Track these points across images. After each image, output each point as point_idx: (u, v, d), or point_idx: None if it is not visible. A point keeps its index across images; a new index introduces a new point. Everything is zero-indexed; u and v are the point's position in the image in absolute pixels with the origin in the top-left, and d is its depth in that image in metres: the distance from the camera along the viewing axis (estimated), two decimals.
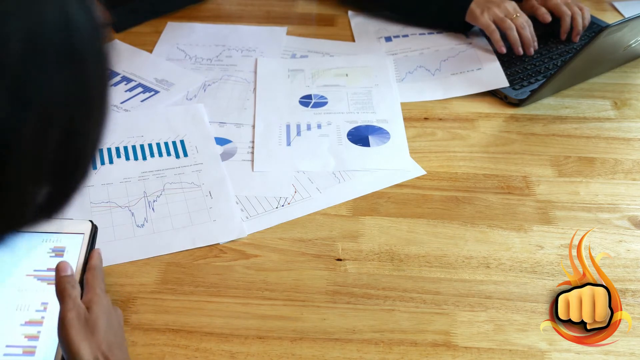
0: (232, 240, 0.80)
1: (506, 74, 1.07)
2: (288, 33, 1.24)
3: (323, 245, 0.80)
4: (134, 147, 0.93)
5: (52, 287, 0.63)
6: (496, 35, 1.11)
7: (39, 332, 0.63)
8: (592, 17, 1.24)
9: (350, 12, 1.28)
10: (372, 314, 0.72)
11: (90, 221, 0.70)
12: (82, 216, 0.81)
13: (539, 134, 0.98)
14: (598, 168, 0.92)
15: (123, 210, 0.84)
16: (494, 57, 1.12)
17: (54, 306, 0.64)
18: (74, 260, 0.67)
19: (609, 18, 1.25)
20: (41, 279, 0.66)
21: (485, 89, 1.06)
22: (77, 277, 0.66)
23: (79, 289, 0.61)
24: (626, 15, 1.24)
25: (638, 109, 1.04)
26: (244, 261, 0.78)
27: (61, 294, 0.59)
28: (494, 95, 1.06)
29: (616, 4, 1.31)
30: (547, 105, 1.04)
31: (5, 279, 0.66)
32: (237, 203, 0.85)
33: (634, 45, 1.04)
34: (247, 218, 0.83)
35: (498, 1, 1.13)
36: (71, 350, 0.55)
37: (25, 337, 0.63)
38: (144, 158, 0.92)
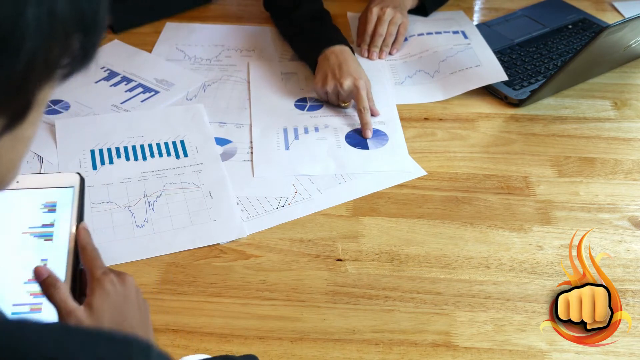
0: (232, 241, 0.80)
1: (506, 75, 1.07)
2: None
3: (323, 246, 0.80)
4: (134, 147, 0.93)
5: (50, 243, 0.64)
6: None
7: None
8: (592, 17, 1.24)
9: (349, 14, 1.27)
10: (372, 314, 0.72)
11: (78, 173, 0.69)
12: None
13: (539, 134, 0.98)
14: (598, 168, 0.92)
15: (123, 210, 0.84)
16: (491, 54, 1.11)
17: (54, 262, 0.63)
18: (67, 214, 0.67)
19: (609, 18, 1.25)
20: (37, 235, 0.65)
21: (484, 83, 1.05)
22: (72, 240, 0.65)
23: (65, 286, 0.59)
24: (626, 15, 1.24)
25: (638, 109, 1.04)
26: (244, 261, 0.78)
27: (52, 301, 0.58)
28: (494, 95, 1.06)
29: (616, 4, 1.31)
30: (547, 105, 1.04)
31: (2, 238, 0.66)
32: (238, 203, 0.85)
33: (634, 45, 1.04)
34: (248, 218, 0.83)
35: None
36: None
37: (31, 294, 0.62)
38: (144, 158, 0.91)
